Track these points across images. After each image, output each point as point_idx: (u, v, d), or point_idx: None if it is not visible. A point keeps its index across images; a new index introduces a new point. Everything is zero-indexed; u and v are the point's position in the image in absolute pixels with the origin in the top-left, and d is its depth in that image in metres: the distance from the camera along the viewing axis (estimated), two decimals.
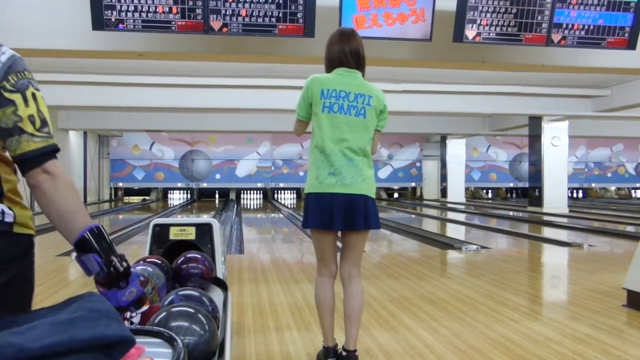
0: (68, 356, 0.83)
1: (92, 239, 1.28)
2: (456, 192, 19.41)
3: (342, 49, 2.69)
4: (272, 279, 5.27)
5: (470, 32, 4.98)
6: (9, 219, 1.29)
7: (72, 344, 0.83)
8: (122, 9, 4.58)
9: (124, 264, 1.31)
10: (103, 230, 1.31)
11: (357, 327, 2.74)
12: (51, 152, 1.28)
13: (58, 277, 5.23)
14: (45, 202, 1.27)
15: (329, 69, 2.73)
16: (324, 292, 2.78)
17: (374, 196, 2.72)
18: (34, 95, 1.29)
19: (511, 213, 14.61)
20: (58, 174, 1.27)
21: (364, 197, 2.64)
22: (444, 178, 20.00)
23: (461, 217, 13.95)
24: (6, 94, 1.25)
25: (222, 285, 2.56)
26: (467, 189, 20.50)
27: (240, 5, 4.65)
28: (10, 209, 1.30)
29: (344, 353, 2.73)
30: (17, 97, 1.26)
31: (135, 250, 7.02)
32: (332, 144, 2.62)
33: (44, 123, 1.29)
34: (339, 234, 2.82)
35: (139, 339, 1.00)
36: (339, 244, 2.85)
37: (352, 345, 2.72)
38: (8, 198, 1.30)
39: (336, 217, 2.62)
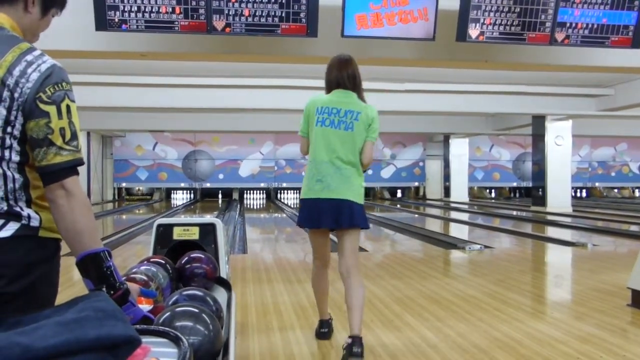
0: (74, 356, 0.83)
1: (84, 266, 1.32)
2: (459, 192, 19.37)
3: (340, 74, 3.05)
4: (275, 278, 5.27)
5: (473, 32, 4.97)
6: (34, 223, 1.31)
7: (78, 344, 0.83)
8: (125, 9, 4.58)
9: (118, 293, 1.32)
10: (103, 256, 1.32)
11: (360, 316, 2.98)
12: (73, 167, 1.31)
13: (62, 278, 5.22)
14: (57, 218, 1.31)
15: (328, 90, 3.10)
16: (319, 279, 3.26)
17: (360, 202, 3.01)
18: (68, 107, 1.31)
19: (514, 212, 14.58)
20: (75, 192, 1.30)
21: (349, 202, 2.96)
22: (447, 177, 19.95)
23: (464, 216, 13.94)
24: (41, 105, 1.27)
25: (226, 285, 2.56)
26: (470, 188, 20.46)
27: (243, 5, 4.65)
28: (37, 213, 1.32)
29: (350, 340, 2.93)
30: (51, 109, 1.28)
31: (139, 250, 7.03)
32: (323, 153, 2.97)
33: (73, 136, 1.31)
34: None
35: (145, 339, 1.01)
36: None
37: (357, 332, 2.94)
38: (36, 204, 1.33)
39: (323, 218, 2.98)
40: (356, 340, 2.91)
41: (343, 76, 3.03)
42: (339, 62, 3.08)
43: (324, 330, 3.32)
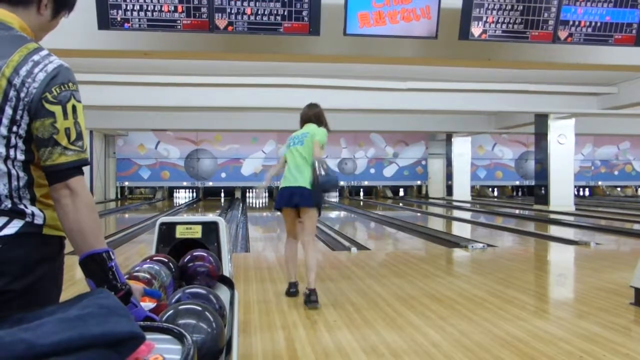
0: (78, 352, 0.83)
1: (86, 266, 1.32)
2: (462, 191, 19.34)
3: (308, 115, 4.53)
4: (277, 277, 5.28)
5: (476, 30, 4.96)
6: (38, 220, 1.32)
7: (82, 341, 0.84)
8: (128, 8, 4.58)
9: (120, 294, 1.32)
10: (105, 257, 1.32)
11: (314, 273, 4.19)
12: (78, 167, 1.31)
13: (65, 276, 5.24)
14: (61, 217, 1.31)
15: (301, 124, 4.54)
16: (290, 248, 4.53)
17: (309, 187, 4.25)
18: (74, 107, 1.32)
19: (517, 211, 14.55)
20: (80, 192, 1.31)
21: (300, 187, 4.27)
22: (449, 176, 19.92)
23: (467, 215, 13.92)
24: (47, 105, 1.28)
25: (229, 283, 2.56)
26: (472, 187, 20.41)
27: (245, 3, 4.65)
28: (41, 211, 1.33)
29: (307, 291, 4.13)
30: (57, 109, 1.29)
31: (142, 249, 7.05)
32: (291, 162, 4.38)
33: (79, 136, 1.32)
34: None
35: (149, 336, 1.01)
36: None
37: (312, 285, 4.13)
38: (40, 201, 1.34)
39: (291, 198, 4.29)
40: (312, 291, 4.07)
41: (310, 116, 4.51)
42: (308, 109, 4.57)
43: (292, 290, 4.41)
